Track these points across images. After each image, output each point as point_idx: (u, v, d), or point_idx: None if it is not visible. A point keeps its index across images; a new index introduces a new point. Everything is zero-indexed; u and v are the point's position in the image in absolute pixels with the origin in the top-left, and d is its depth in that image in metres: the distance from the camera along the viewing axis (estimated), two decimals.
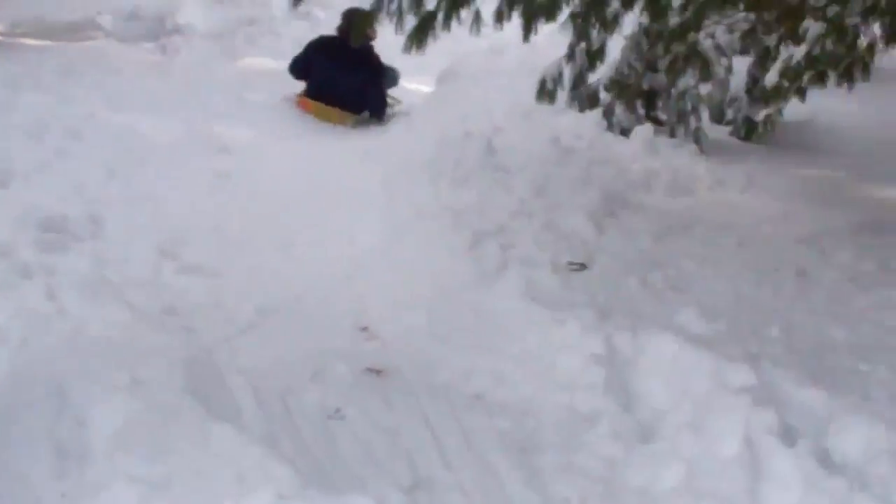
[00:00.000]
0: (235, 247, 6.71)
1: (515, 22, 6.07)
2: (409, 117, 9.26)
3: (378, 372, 5.13)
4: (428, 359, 5.24)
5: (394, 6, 6.00)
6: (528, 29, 5.93)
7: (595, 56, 7.14)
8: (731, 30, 7.35)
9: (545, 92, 7.54)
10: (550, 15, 5.94)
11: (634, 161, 7.41)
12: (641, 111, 8.53)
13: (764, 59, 7.37)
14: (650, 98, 8.39)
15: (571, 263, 5.86)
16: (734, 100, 8.37)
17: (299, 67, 10.13)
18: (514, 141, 7.67)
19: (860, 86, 7.00)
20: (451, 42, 6.53)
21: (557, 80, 7.29)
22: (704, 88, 7.78)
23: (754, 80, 8.27)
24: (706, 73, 7.32)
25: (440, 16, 6.01)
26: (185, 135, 8.41)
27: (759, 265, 6.02)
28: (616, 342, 5.00)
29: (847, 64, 6.57)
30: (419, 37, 6.06)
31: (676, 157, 7.57)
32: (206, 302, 5.85)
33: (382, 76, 9.94)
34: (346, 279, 6.30)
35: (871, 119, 8.41)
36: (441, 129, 8.12)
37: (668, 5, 5.91)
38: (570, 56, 7.25)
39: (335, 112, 9.80)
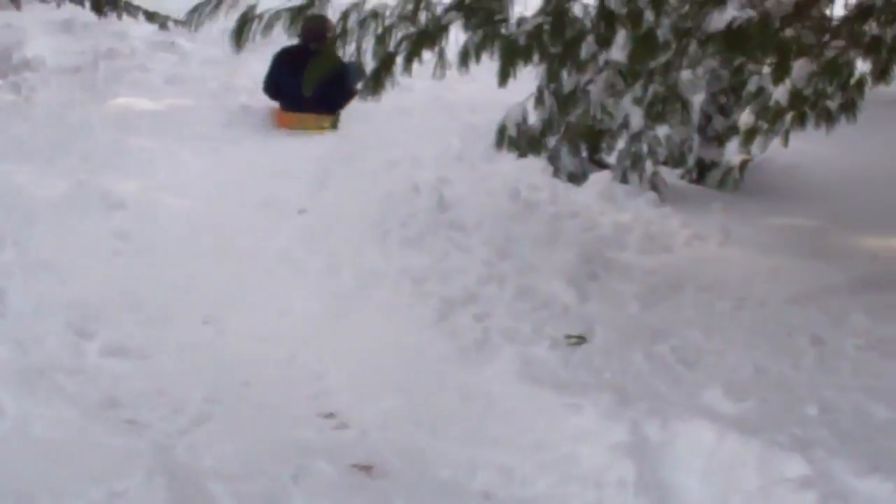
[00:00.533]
0: (156, 322, 6.39)
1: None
2: (327, 164, 8.85)
3: (367, 469, 4.80)
4: (419, 452, 4.97)
5: (352, 47, 5.69)
6: (505, 73, 5.66)
7: (568, 99, 6.89)
8: (693, 65, 7.20)
9: (505, 139, 7.21)
10: (529, 56, 5.67)
11: (602, 214, 7.20)
12: (583, 154, 8.34)
13: (730, 96, 7.28)
14: (594, 140, 8.20)
15: (569, 337, 5.59)
16: (684, 140, 8.22)
17: (270, 85, 10.80)
18: (462, 192, 7.40)
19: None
20: None
21: (522, 125, 7.00)
22: (661, 130, 7.60)
23: (707, 119, 8.19)
24: (685, 115, 7.15)
25: (400, 58, 5.69)
26: (72, 189, 7.95)
27: (767, 331, 5.88)
28: (643, 430, 4.73)
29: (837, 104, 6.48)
30: (376, 81, 5.76)
31: (639, 207, 7.43)
32: (146, 389, 5.49)
33: (348, 72, 9.32)
34: (293, 357, 5.97)
35: (835, 158, 8.37)
36: (371, 177, 7.81)
37: (657, 44, 5.68)
38: (539, 100, 6.98)
39: (311, 118, 10.37)
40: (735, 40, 5.47)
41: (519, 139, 7.04)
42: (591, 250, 6.60)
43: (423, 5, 5.51)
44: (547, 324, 5.88)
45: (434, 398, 5.34)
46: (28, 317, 6.06)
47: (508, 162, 8.25)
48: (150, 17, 12.82)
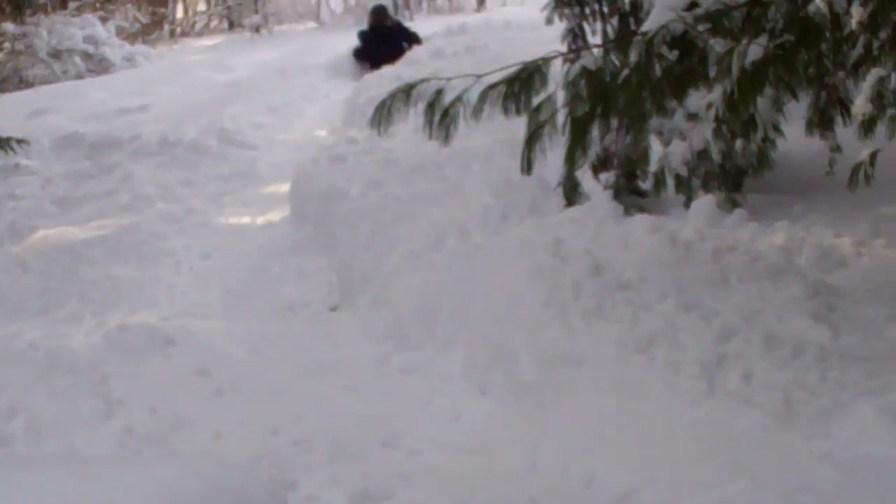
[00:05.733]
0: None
1: None
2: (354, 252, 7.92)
3: None
4: None
5: None
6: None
7: (748, 125, 6.15)
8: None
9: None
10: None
11: (753, 240, 6.52)
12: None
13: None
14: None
15: None
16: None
17: (361, 53, 16.41)
18: (585, 249, 6.57)
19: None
20: None
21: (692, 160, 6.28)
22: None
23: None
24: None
25: None
26: (114, 333, 7.06)
27: None
28: None
29: None
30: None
31: (751, 228, 6.76)
32: None
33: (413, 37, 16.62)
34: None
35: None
36: (435, 257, 7.23)
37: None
38: (718, 132, 6.19)
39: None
40: None
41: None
42: (812, 281, 5.92)
43: None
44: (832, 370, 5.18)
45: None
46: None
47: (558, 213, 7.49)
48: None
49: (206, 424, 5.98)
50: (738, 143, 6.59)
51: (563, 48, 7.81)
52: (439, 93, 5.16)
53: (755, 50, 4.86)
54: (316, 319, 7.60)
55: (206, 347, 6.92)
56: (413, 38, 16.72)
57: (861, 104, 6.48)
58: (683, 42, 4.93)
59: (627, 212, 7.37)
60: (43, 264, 8.42)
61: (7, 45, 18.39)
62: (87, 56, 18.54)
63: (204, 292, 8.10)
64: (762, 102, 6.13)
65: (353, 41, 17.08)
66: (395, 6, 23.72)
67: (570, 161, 5.71)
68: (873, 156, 6.49)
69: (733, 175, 7.32)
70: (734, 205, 7.24)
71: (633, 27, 7.70)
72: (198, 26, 26.88)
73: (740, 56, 4.85)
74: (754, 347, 5.46)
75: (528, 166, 5.48)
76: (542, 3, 8.44)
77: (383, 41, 16.48)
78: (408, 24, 18.16)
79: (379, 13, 17.47)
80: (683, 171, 6.52)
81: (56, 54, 18.29)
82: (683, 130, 6.96)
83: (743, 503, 4.63)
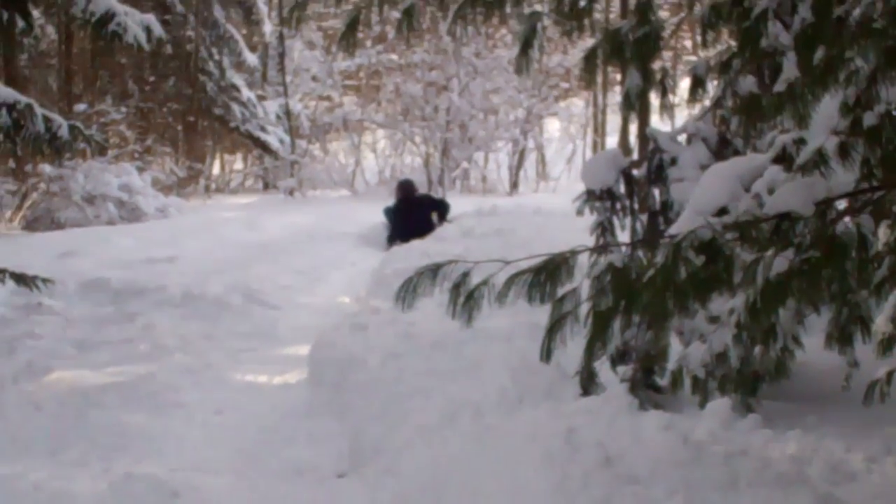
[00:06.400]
0: None
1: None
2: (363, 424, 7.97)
3: None
4: None
5: None
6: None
7: (769, 334, 6.32)
8: None
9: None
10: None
11: (765, 447, 6.56)
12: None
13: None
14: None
15: None
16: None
17: (394, 230, 16.58)
18: (598, 436, 6.64)
19: None
20: None
21: (711, 365, 6.38)
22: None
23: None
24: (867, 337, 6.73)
25: None
26: (119, 483, 7.07)
27: None
28: None
29: None
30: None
31: (763, 434, 6.80)
32: None
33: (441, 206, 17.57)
34: None
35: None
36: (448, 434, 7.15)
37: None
38: (738, 337, 6.34)
39: None
40: None
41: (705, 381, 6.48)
42: (822, 493, 5.95)
43: None
44: None
45: None
46: None
47: (573, 401, 7.55)
48: (18, 279, 11.41)
49: None
50: (757, 350, 6.72)
51: (592, 240, 8.01)
52: (465, 275, 5.31)
53: (781, 262, 5.01)
54: (323, 485, 7.59)
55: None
56: (441, 208, 17.29)
57: (881, 323, 6.62)
58: (710, 248, 5.07)
59: (642, 406, 7.44)
60: (55, 405, 8.49)
61: (43, 185, 18.83)
62: (120, 203, 18.97)
63: (213, 447, 8.11)
64: (784, 313, 6.27)
65: (386, 212, 17.25)
66: (430, 184, 24.30)
67: (590, 352, 5.84)
68: (890, 374, 6.58)
69: (750, 380, 7.37)
70: (749, 409, 7.29)
71: (661, 225, 7.90)
72: (233, 184, 27.47)
73: (765, 267, 5.00)
74: None
75: (547, 355, 5.60)
76: (574, 193, 8.64)
77: (412, 213, 16.88)
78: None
79: (406, 186, 17.97)
80: (701, 373, 6.64)
81: (90, 199, 18.71)
82: (704, 332, 7.11)
83: None
